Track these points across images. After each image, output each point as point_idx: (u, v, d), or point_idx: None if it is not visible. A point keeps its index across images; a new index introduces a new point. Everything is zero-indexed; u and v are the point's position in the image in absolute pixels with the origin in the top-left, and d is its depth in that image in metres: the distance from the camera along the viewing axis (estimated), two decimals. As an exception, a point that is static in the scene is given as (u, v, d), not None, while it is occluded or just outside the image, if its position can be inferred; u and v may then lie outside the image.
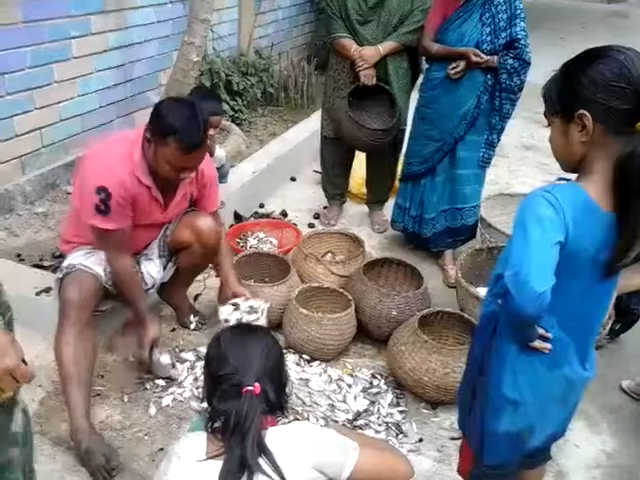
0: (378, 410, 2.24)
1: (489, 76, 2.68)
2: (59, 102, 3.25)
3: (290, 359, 2.45)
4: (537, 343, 1.31)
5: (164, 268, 2.39)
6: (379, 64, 3.00)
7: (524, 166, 4.63)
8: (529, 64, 2.64)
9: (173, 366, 2.29)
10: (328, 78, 3.24)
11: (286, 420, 1.36)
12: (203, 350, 2.24)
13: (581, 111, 1.18)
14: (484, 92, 2.71)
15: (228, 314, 2.19)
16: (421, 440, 2.15)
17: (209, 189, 2.35)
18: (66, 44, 3.18)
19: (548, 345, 1.32)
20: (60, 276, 2.10)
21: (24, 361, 1.04)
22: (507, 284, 1.18)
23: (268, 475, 1.23)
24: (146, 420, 2.13)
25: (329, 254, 3.03)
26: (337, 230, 3.23)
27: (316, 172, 4.00)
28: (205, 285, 2.89)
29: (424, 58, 3.00)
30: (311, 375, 2.39)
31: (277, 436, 1.28)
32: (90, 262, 2.11)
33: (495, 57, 2.64)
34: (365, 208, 3.68)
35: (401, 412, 2.26)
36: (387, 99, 3.05)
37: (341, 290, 2.59)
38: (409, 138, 3.03)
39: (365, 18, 3.00)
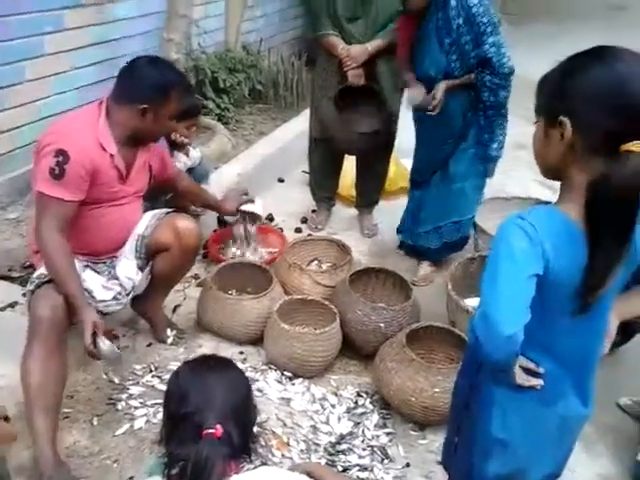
0: (363, 432, 2.12)
1: (473, 93, 2.56)
2: (34, 101, 3.11)
3: (271, 376, 2.33)
4: (525, 381, 1.19)
5: (140, 270, 2.23)
6: (368, 63, 2.87)
7: (518, 166, 4.48)
8: (511, 73, 2.50)
9: (118, 348, 2.07)
10: (315, 77, 3.11)
11: (251, 466, 1.23)
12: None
13: (562, 118, 1.06)
14: (469, 109, 2.60)
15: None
16: (408, 465, 2.03)
17: (167, 159, 2.38)
18: (40, 40, 3.04)
19: (539, 381, 1.20)
20: (31, 288, 1.95)
21: (6, 418, 0.93)
22: (475, 327, 1.06)
23: (230, 529, 1.11)
24: (116, 445, 2.01)
25: (315, 262, 2.90)
26: (323, 237, 3.10)
27: (305, 173, 3.87)
28: (185, 295, 2.76)
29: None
30: (293, 394, 2.27)
31: (240, 483, 1.16)
32: None
33: (470, 75, 2.52)
34: (354, 211, 3.56)
35: (387, 434, 2.14)
36: (378, 99, 2.92)
37: (326, 303, 2.47)
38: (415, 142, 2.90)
39: (353, 15, 2.88)
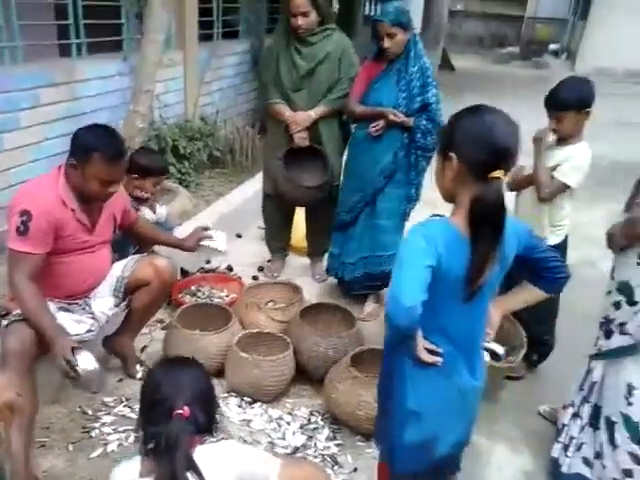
0: (315, 444, 2.38)
1: (405, 135, 3.00)
2: (9, 168, 3.40)
3: (232, 402, 2.58)
4: (429, 358, 1.52)
5: (116, 306, 2.51)
6: (312, 127, 3.27)
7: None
8: (440, 125, 2.96)
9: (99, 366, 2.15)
10: (266, 140, 3.50)
11: (214, 440, 1.51)
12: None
13: (450, 153, 1.44)
14: (401, 148, 3.01)
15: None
16: (355, 470, 2.29)
17: (129, 210, 2.63)
18: (16, 115, 3.38)
19: (439, 358, 1.52)
20: (5, 324, 2.20)
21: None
22: (386, 305, 1.39)
23: (196, 487, 1.37)
24: (91, 467, 2.20)
25: (270, 303, 3.21)
26: (277, 280, 3.43)
27: (260, 228, 4.21)
28: (152, 337, 3.01)
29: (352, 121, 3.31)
30: (252, 416, 2.52)
31: (205, 453, 1.43)
32: None
33: (411, 119, 2.96)
34: (307, 260, 3.90)
35: (337, 445, 2.40)
36: (320, 158, 3.32)
37: (279, 334, 2.76)
38: (339, 191, 3.30)
39: (297, 86, 3.28)
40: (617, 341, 2.00)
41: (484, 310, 1.59)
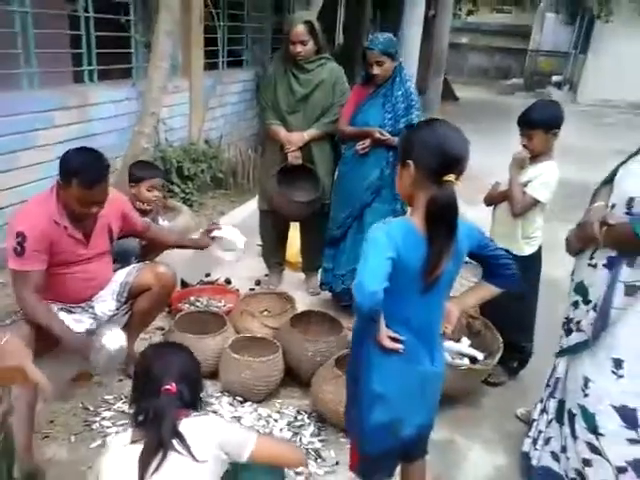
0: (300, 440, 2.54)
1: (391, 153, 3.22)
2: (24, 184, 3.65)
3: (224, 401, 2.74)
4: (391, 344, 1.69)
5: (117, 309, 2.72)
6: (305, 147, 3.50)
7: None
8: None
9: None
10: (263, 159, 3.73)
11: (198, 414, 1.68)
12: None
13: (409, 161, 1.64)
14: (386, 166, 3.23)
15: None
16: (337, 463, 2.44)
17: (128, 214, 2.73)
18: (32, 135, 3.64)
19: (400, 345, 1.69)
20: (8, 322, 2.40)
21: None
22: (353, 291, 1.57)
23: (180, 452, 1.54)
24: (91, 455, 2.36)
25: (265, 312, 3.39)
26: (270, 291, 3.62)
27: (259, 246, 4.41)
28: (152, 342, 3.18)
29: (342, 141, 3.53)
30: (243, 413, 2.68)
31: (189, 424, 1.60)
32: None
33: (396, 138, 3.18)
34: (302, 275, 4.09)
35: (321, 441, 2.55)
36: (312, 176, 3.53)
37: (270, 339, 2.94)
38: (330, 208, 3.51)
39: (293, 109, 3.51)
40: (575, 338, 2.16)
41: (441, 302, 1.76)
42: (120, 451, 1.57)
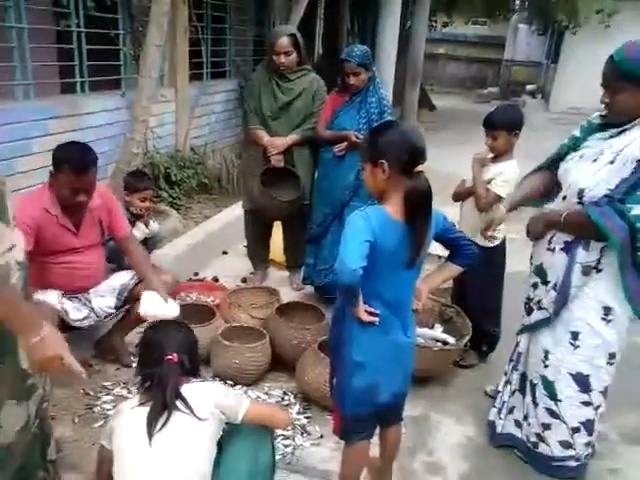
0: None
1: None
2: (19, 189, 3.83)
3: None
4: (367, 317, 1.91)
5: (115, 308, 2.93)
6: (287, 151, 3.73)
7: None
8: None
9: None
10: (246, 162, 3.97)
11: (197, 381, 1.90)
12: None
13: (381, 160, 1.89)
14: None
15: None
16: (322, 436, 2.66)
17: (116, 214, 2.91)
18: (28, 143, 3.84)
19: (376, 319, 1.91)
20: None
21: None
22: (334, 269, 1.81)
23: (183, 411, 1.76)
24: (94, 434, 2.56)
25: (251, 305, 3.60)
26: (257, 286, 3.84)
27: (244, 247, 4.64)
28: (145, 335, 3.39)
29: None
30: (233, 395, 2.90)
31: (190, 388, 1.82)
32: (45, 296, 2.65)
33: None
34: (286, 272, 4.32)
35: (307, 417, 2.78)
36: (293, 178, 3.77)
37: (257, 327, 3.16)
38: (311, 208, 3.75)
39: (275, 115, 3.75)
40: (536, 316, 2.42)
41: (412, 280, 2.00)
42: (130, 412, 1.79)
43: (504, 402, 2.62)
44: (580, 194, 2.20)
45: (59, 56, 4.51)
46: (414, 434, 2.73)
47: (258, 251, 4.20)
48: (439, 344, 3.19)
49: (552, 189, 2.45)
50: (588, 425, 2.39)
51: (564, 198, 2.31)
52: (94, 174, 2.67)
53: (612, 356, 2.31)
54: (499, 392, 2.67)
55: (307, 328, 3.12)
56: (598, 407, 2.39)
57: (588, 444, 2.45)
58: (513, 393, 2.60)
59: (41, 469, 1.85)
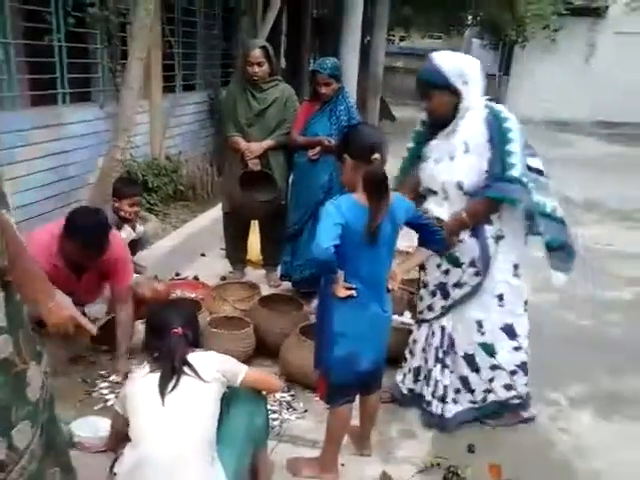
0: (274, 395, 3.00)
1: None
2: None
3: (205, 370, 3.19)
4: (343, 292, 2.18)
5: (107, 313, 3.15)
6: (263, 155, 4.00)
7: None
8: None
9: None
10: (225, 167, 4.23)
11: (201, 351, 2.15)
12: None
13: (344, 155, 2.20)
14: (334, 169, 3.77)
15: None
16: (306, 411, 2.92)
17: (121, 264, 2.97)
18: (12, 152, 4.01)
19: (353, 292, 2.18)
20: None
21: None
22: (311, 249, 2.08)
23: (190, 375, 2.00)
24: (95, 414, 2.75)
25: (234, 299, 3.85)
26: (237, 281, 4.10)
27: (222, 250, 4.87)
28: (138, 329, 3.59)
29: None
30: (222, 379, 3.13)
31: (194, 356, 2.07)
32: None
33: None
34: (263, 271, 4.57)
35: (291, 395, 3.04)
36: (270, 180, 4.04)
37: (242, 317, 3.41)
38: (288, 208, 4.04)
39: (251, 122, 4.01)
40: (457, 294, 2.71)
41: (385, 258, 2.28)
42: (142, 379, 2.02)
43: (437, 381, 2.83)
44: (459, 186, 2.57)
45: (41, 69, 4.70)
46: (391, 406, 3.02)
47: (236, 251, 4.45)
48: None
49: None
50: (523, 366, 2.80)
51: (445, 198, 2.63)
52: (107, 247, 2.77)
53: (525, 303, 2.76)
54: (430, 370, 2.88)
55: (289, 315, 3.38)
56: (526, 350, 2.79)
57: (526, 384, 2.85)
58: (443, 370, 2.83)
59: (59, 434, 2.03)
